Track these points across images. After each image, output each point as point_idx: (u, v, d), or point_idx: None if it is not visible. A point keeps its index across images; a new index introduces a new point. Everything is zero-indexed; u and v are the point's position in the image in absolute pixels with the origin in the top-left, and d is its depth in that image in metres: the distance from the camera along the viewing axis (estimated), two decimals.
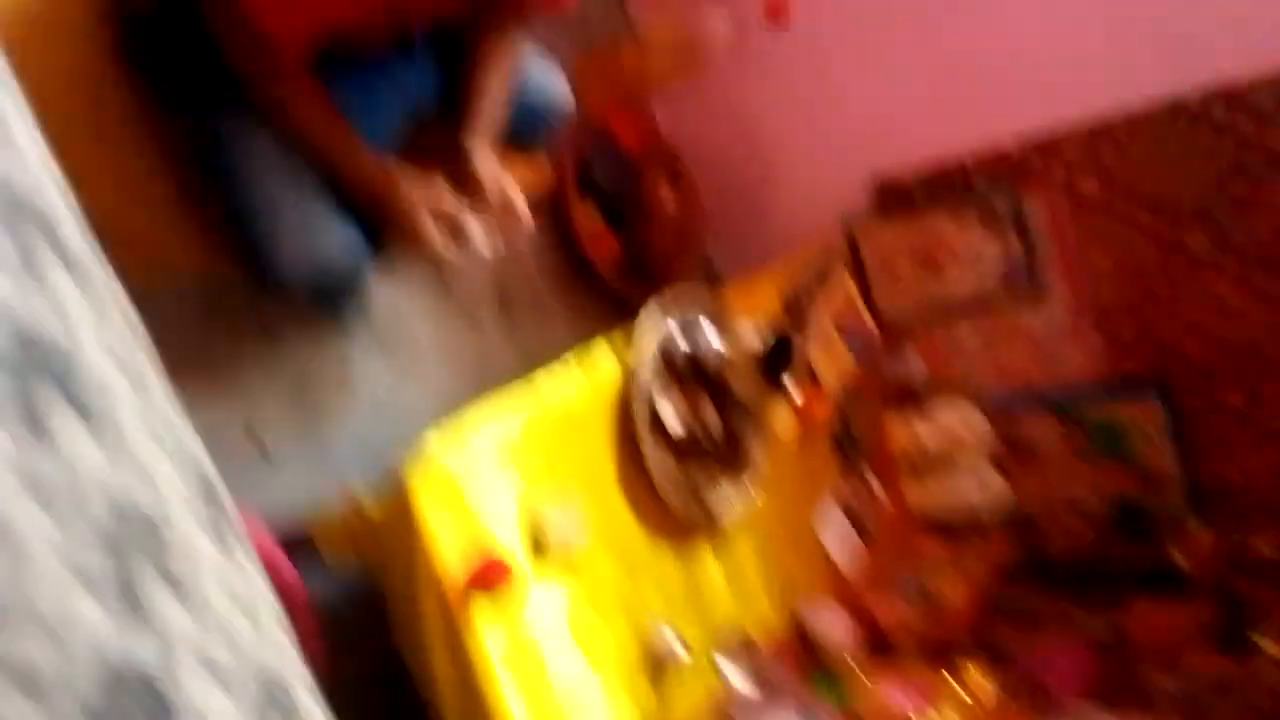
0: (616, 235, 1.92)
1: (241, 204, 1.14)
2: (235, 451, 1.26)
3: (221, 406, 1.25)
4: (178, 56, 1.15)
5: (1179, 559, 1.74)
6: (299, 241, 1.12)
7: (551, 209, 1.82)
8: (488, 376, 1.64)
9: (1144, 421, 1.76)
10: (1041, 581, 1.92)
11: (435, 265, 1.27)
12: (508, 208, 1.23)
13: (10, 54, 1.05)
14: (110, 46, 1.18)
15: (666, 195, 1.99)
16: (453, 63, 1.31)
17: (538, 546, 1.15)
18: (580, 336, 1.83)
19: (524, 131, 1.38)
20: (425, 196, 1.17)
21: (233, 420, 1.26)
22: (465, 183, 1.22)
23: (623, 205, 1.92)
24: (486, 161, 1.24)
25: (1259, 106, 1.52)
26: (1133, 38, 1.61)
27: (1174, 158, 1.61)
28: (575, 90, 1.76)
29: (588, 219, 1.86)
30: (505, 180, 1.24)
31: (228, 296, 1.28)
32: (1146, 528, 1.85)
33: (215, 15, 1.05)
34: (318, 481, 1.31)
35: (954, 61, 1.79)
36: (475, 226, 1.19)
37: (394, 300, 1.52)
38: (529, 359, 1.72)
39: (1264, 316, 1.62)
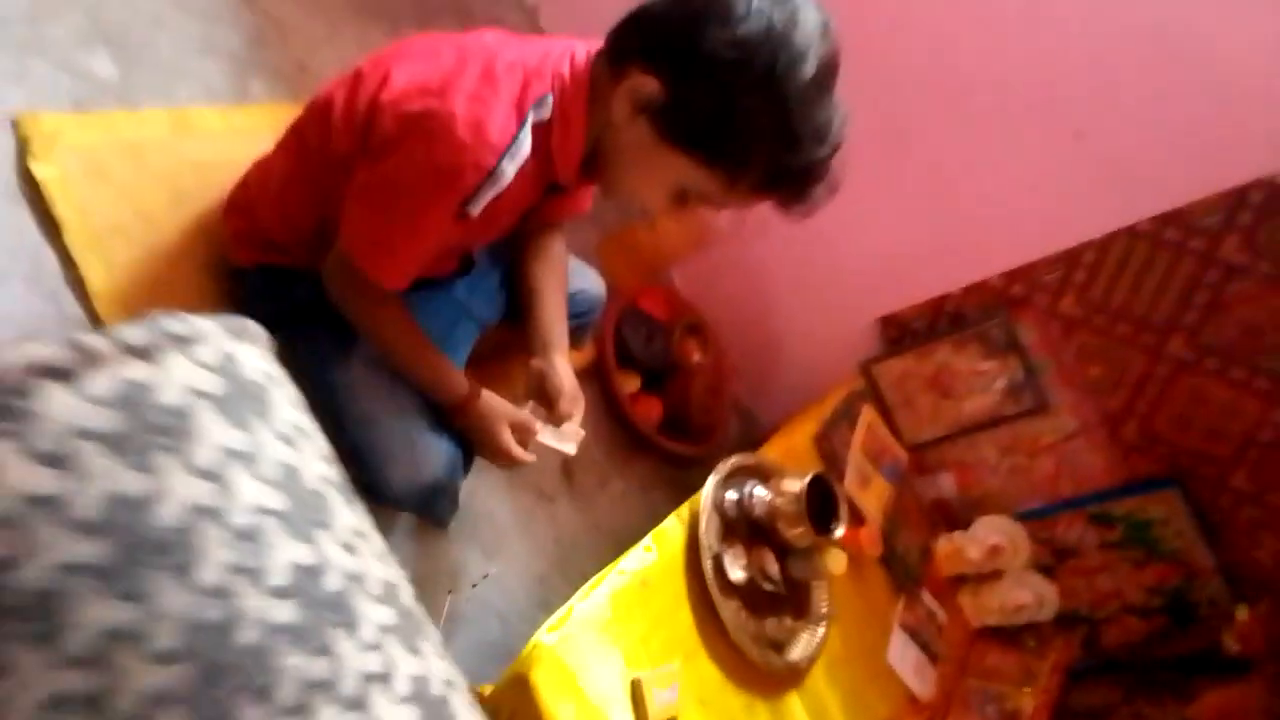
0: (657, 398, 2.10)
1: (350, 422, 1.26)
2: None
3: None
4: (280, 296, 1.32)
5: (1230, 644, 1.83)
6: (406, 459, 1.27)
7: (597, 383, 2.01)
8: (564, 544, 1.79)
9: (1168, 514, 1.89)
10: (1106, 680, 2.00)
11: (512, 468, 1.43)
12: (579, 412, 1.41)
13: (138, 313, 1.25)
14: (219, 297, 1.39)
15: (696, 355, 2.17)
16: (509, 278, 1.51)
17: (643, 713, 1.27)
18: (636, 493, 2.00)
19: (574, 321, 1.57)
20: (504, 410, 1.35)
21: None
22: (540, 392, 1.40)
23: (659, 370, 2.10)
24: (567, 375, 1.39)
25: (1204, 226, 1.73)
26: (1089, 178, 1.82)
27: (1139, 277, 1.80)
28: (601, 271, 1.98)
29: (630, 387, 2.04)
30: (578, 392, 1.42)
31: None
32: (1197, 616, 1.94)
33: (326, 263, 1.22)
34: None
35: (937, 211, 2.00)
36: (555, 435, 1.37)
37: (470, 483, 1.67)
38: (595, 522, 1.88)
39: (1250, 406, 1.78)
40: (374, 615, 0.47)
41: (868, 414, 2.01)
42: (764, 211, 1.19)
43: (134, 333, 0.41)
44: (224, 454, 0.41)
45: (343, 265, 1.19)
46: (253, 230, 1.33)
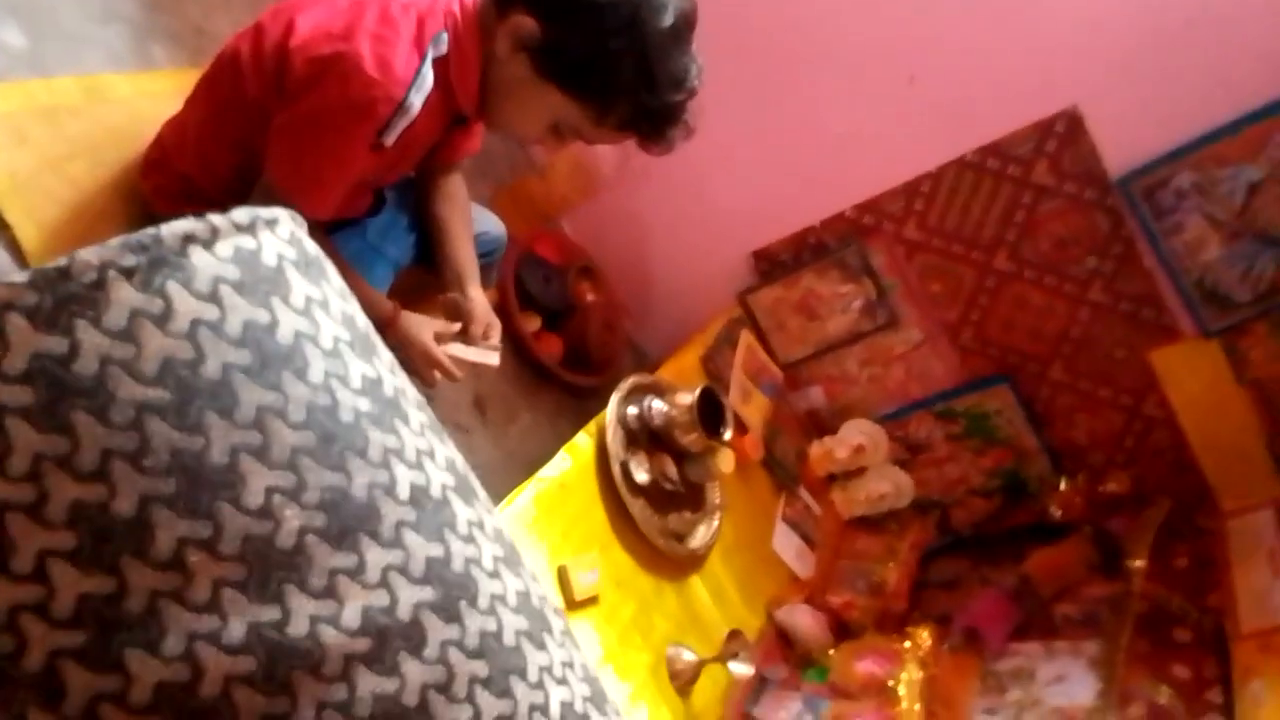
0: (557, 335, 2.28)
1: None
2: None
3: None
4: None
5: (1054, 511, 2.17)
6: None
7: (502, 323, 2.17)
8: (480, 471, 1.94)
9: (1001, 407, 2.21)
10: (956, 554, 2.32)
11: (430, 386, 1.56)
12: (496, 335, 1.57)
13: None
14: None
15: (590, 295, 2.36)
16: (417, 221, 1.64)
17: (569, 592, 1.47)
18: (544, 423, 2.18)
19: (479, 265, 1.72)
20: (427, 322, 1.46)
21: None
22: (456, 319, 1.53)
23: (558, 310, 2.28)
24: (481, 302, 1.53)
25: (1018, 154, 2.02)
26: (923, 117, 2.09)
27: (968, 202, 2.09)
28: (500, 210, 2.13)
29: (531, 326, 2.21)
30: (497, 323, 1.58)
31: None
32: (1028, 491, 2.28)
33: (251, 202, 1.34)
34: None
35: (797, 153, 2.24)
36: (477, 351, 1.53)
37: None
38: (509, 451, 2.05)
39: (1061, 308, 2.10)
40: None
41: (746, 338, 2.24)
42: (644, 161, 1.37)
43: (240, 215, 0.56)
44: (307, 299, 0.57)
45: (268, 199, 1.31)
46: (172, 182, 1.41)
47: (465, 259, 1.57)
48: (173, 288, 0.51)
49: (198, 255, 0.53)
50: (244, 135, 1.31)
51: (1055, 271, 2.09)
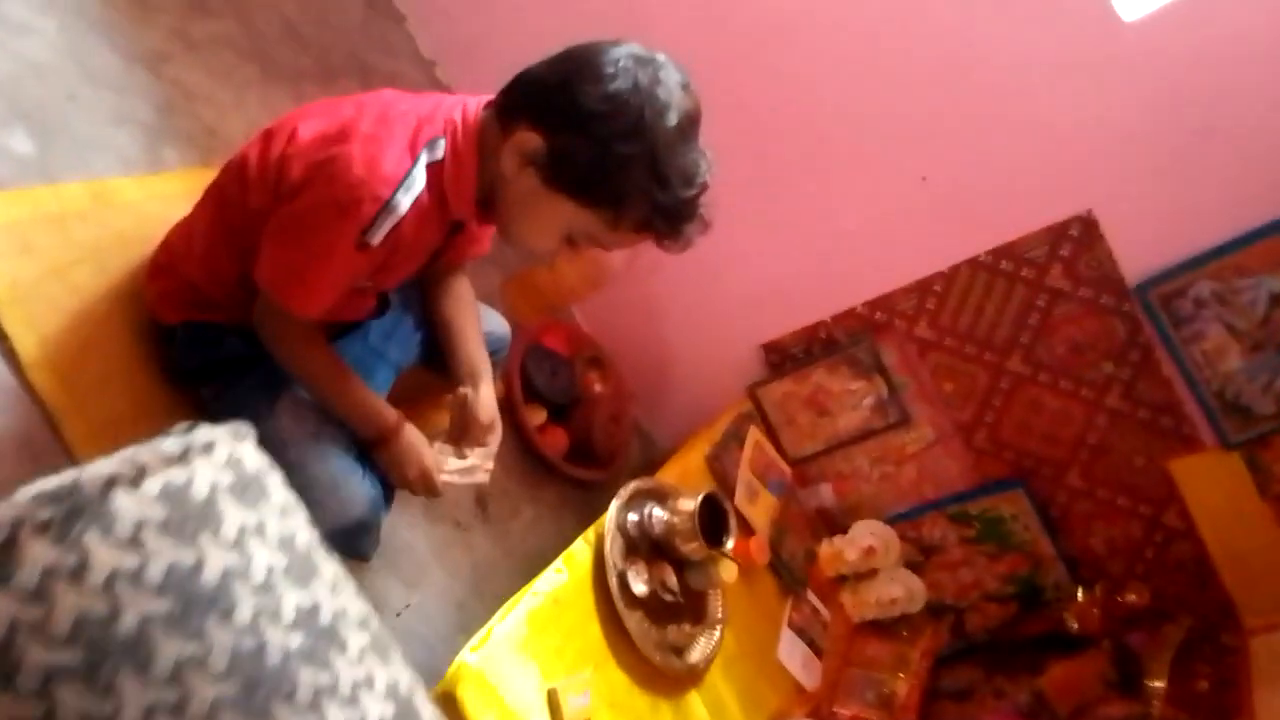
0: (563, 428, 2.25)
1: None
2: None
3: None
4: (208, 350, 1.42)
5: (1071, 622, 2.09)
6: (332, 504, 1.35)
7: (506, 417, 2.15)
8: (480, 570, 1.92)
9: (1016, 511, 2.15)
10: (970, 661, 2.24)
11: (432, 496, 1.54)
12: (495, 442, 1.54)
13: (77, 381, 1.33)
14: (147, 360, 1.48)
15: (598, 386, 2.34)
16: (423, 322, 1.63)
17: (559, 718, 1.42)
18: (546, 518, 2.14)
19: None
20: (427, 448, 1.46)
21: None
22: (461, 419, 1.51)
23: (564, 402, 2.26)
24: (488, 404, 1.52)
25: (1032, 256, 1.99)
26: (936, 216, 2.07)
27: (981, 301, 2.06)
28: (504, 311, 2.12)
29: (537, 419, 2.19)
30: (499, 426, 1.55)
31: None
32: (1043, 600, 2.21)
33: (254, 310, 1.34)
34: None
35: (809, 248, 2.22)
36: (475, 462, 1.51)
37: (389, 517, 1.78)
38: (509, 548, 2.02)
39: (1078, 413, 2.06)
40: (356, 639, 0.62)
41: (754, 434, 2.21)
42: (655, 252, 1.36)
43: (171, 445, 0.54)
44: (241, 529, 0.55)
45: (265, 305, 1.31)
46: (178, 289, 1.42)
47: (477, 356, 1.56)
48: (90, 539, 0.49)
49: (120, 499, 0.51)
50: (249, 245, 1.31)
51: (1071, 376, 2.04)
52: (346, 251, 1.23)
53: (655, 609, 1.68)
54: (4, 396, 1.32)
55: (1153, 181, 1.88)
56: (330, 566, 0.66)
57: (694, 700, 1.70)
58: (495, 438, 1.56)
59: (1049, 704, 2.01)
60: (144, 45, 1.76)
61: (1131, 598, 2.08)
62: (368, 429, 1.42)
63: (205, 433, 0.58)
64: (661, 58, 1.23)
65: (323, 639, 0.58)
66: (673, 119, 1.19)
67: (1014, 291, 2.03)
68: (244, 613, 0.52)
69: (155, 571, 0.50)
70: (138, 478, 0.52)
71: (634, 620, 1.62)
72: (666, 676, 1.65)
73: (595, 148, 1.19)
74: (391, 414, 1.43)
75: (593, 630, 1.57)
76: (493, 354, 1.76)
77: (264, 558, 0.56)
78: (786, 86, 2.09)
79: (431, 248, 1.41)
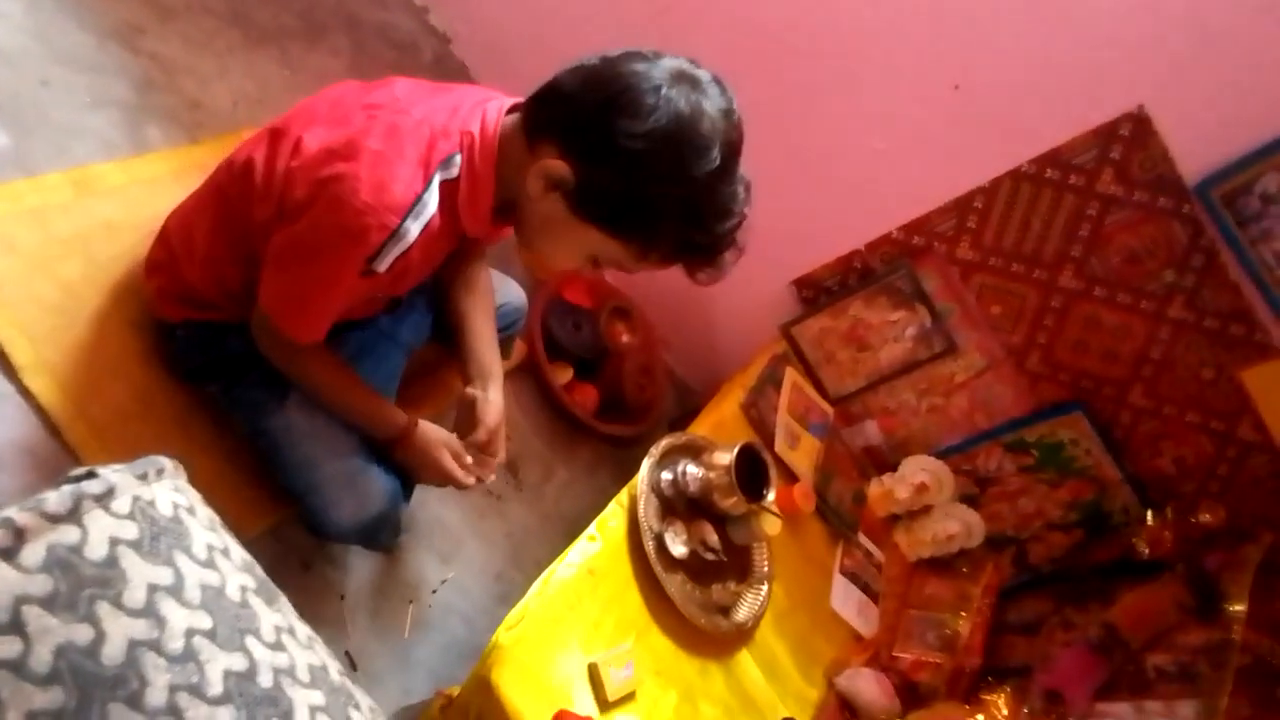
0: (591, 384, 2.17)
1: (290, 467, 1.34)
2: None
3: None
4: (211, 349, 1.37)
5: (1142, 548, 1.98)
6: (348, 500, 1.33)
7: (531, 378, 2.08)
8: (516, 538, 1.87)
9: (1076, 435, 2.03)
10: (1036, 593, 2.15)
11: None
12: (495, 450, 1.47)
13: (76, 382, 1.28)
14: (147, 354, 1.42)
15: (625, 337, 2.25)
16: (434, 303, 1.56)
17: (601, 693, 1.37)
18: (582, 479, 2.08)
19: (499, 335, 1.63)
20: (441, 436, 1.41)
21: (333, 649, 1.47)
22: (466, 419, 1.45)
23: (591, 357, 2.17)
24: (494, 408, 1.45)
25: (1080, 162, 1.83)
26: (972, 127, 1.91)
27: (1026, 215, 1.91)
28: (524, 267, 2.03)
29: (563, 378, 2.11)
30: (503, 430, 1.48)
31: (290, 539, 1.49)
32: (1111, 525, 2.09)
33: (252, 322, 1.27)
34: (410, 681, 1.52)
35: (838, 172, 2.07)
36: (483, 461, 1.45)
37: (420, 492, 1.73)
38: (545, 512, 1.96)
39: (1139, 327, 1.91)
40: (306, 699, 0.55)
41: (791, 375, 2.10)
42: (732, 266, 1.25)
43: (55, 500, 0.47)
44: (151, 590, 0.47)
45: (264, 323, 1.24)
46: (179, 288, 1.35)
47: (489, 357, 1.50)
48: None
49: None
50: (254, 254, 1.24)
51: (1129, 288, 1.90)
52: (351, 280, 1.16)
53: (697, 569, 1.61)
54: (2, 405, 1.27)
55: (1210, 68, 1.70)
56: (273, 615, 0.58)
57: (745, 660, 1.64)
58: (498, 442, 1.49)
59: (1121, 634, 1.90)
60: (116, 19, 1.67)
61: (1205, 518, 1.96)
62: (380, 434, 1.37)
63: (101, 478, 0.50)
64: (706, 78, 1.12)
65: (261, 709, 0.50)
66: (714, 159, 1.09)
67: (1062, 202, 1.88)
68: (157, 692, 0.45)
69: (40, 658, 0.43)
70: (14, 545, 0.45)
71: (675, 583, 1.55)
72: (714, 638, 1.58)
73: (627, 186, 1.10)
74: (401, 417, 1.38)
75: (632, 598, 1.51)
76: (509, 326, 1.70)
77: (181, 620, 0.48)
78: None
79: (442, 259, 1.33)
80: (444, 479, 1.41)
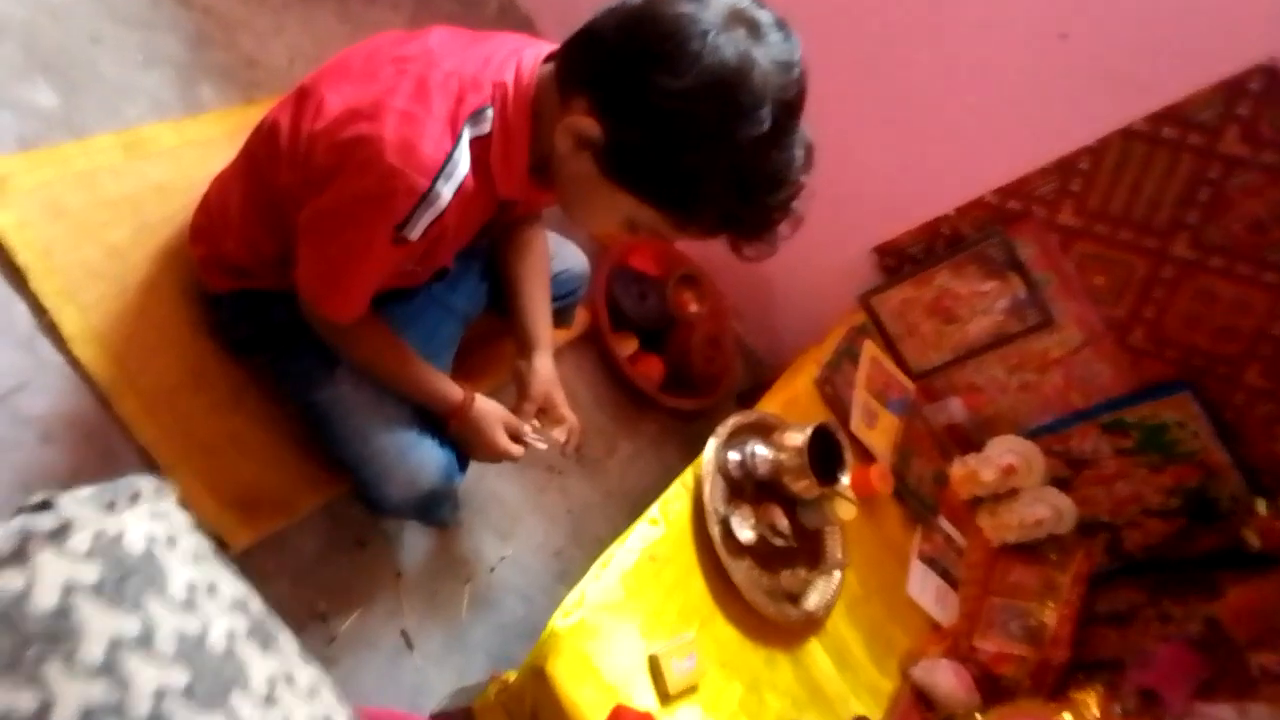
0: (657, 356, 2.08)
1: (342, 440, 1.30)
2: (390, 653, 1.43)
3: (374, 617, 1.43)
4: (258, 320, 1.33)
5: (1252, 539, 1.82)
6: (401, 473, 1.28)
7: (595, 349, 2.00)
8: (576, 515, 1.80)
9: (1182, 417, 1.86)
10: (1131, 581, 2.01)
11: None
12: (560, 418, 1.41)
13: (126, 352, 1.24)
14: (198, 323, 1.39)
15: (693, 306, 2.15)
16: (490, 270, 1.49)
17: (662, 686, 1.30)
18: (647, 453, 2.00)
19: (559, 303, 1.56)
20: (498, 413, 1.34)
21: (389, 628, 1.43)
22: (523, 390, 1.40)
23: (657, 327, 2.08)
24: (542, 376, 1.40)
25: (1202, 120, 1.65)
26: (1078, 81, 1.74)
27: (1138, 178, 1.74)
28: (588, 234, 1.94)
29: (628, 349, 2.03)
30: (558, 395, 1.41)
31: (345, 514, 1.45)
32: (1218, 513, 1.93)
33: (300, 304, 1.22)
34: (466, 662, 1.48)
35: (925, 131, 1.92)
36: (547, 435, 1.38)
37: (477, 469, 1.68)
38: (608, 489, 1.89)
39: (1259, 302, 1.73)
40: None
41: (870, 349, 1.98)
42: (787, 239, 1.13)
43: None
44: (113, 646, 0.40)
45: (307, 306, 1.19)
46: (219, 256, 1.31)
47: (538, 324, 1.43)
48: None
49: None
50: (283, 221, 1.18)
51: (1250, 258, 1.72)
52: (382, 249, 1.07)
53: (764, 555, 1.52)
54: (48, 375, 1.24)
55: None
56: (267, 664, 0.50)
57: (815, 650, 1.55)
58: (559, 407, 1.43)
59: (1226, 631, 1.77)
60: None
61: None
62: (435, 409, 1.32)
63: (56, 511, 0.42)
64: (767, 20, 0.96)
65: None
66: (764, 118, 0.93)
67: (1179, 163, 1.70)
68: None
69: None
70: None
71: (741, 570, 1.46)
72: (781, 627, 1.50)
73: (663, 150, 0.97)
74: (456, 392, 1.32)
75: (695, 585, 1.43)
76: (570, 294, 1.62)
77: (150, 679, 0.41)
78: None
79: (481, 223, 1.24)
80: (498, 456, 1.34)
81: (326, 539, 1.44)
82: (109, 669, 0.39)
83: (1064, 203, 1.82)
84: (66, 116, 1.39)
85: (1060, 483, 2.02)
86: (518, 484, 1.73)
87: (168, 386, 1.32)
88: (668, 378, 2.04)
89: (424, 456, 1.29)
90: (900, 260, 2.04)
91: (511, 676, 1.29)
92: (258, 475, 1.36)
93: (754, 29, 0.95)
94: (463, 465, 1.38)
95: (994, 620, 1.88)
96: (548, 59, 1.09)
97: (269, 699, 0.47)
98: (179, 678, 0.42)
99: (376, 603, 1.45)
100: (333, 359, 1.28)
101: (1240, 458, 1.87)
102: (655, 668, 1.30)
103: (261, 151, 1.19)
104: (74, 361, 1.26)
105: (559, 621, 1.25)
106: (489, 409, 1.33)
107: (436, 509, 1.37)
